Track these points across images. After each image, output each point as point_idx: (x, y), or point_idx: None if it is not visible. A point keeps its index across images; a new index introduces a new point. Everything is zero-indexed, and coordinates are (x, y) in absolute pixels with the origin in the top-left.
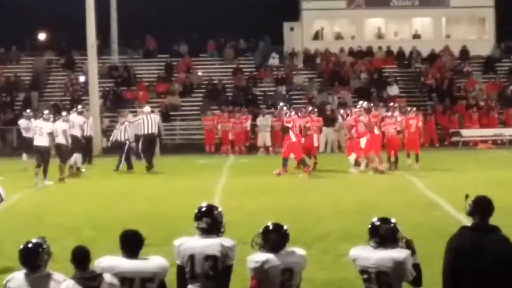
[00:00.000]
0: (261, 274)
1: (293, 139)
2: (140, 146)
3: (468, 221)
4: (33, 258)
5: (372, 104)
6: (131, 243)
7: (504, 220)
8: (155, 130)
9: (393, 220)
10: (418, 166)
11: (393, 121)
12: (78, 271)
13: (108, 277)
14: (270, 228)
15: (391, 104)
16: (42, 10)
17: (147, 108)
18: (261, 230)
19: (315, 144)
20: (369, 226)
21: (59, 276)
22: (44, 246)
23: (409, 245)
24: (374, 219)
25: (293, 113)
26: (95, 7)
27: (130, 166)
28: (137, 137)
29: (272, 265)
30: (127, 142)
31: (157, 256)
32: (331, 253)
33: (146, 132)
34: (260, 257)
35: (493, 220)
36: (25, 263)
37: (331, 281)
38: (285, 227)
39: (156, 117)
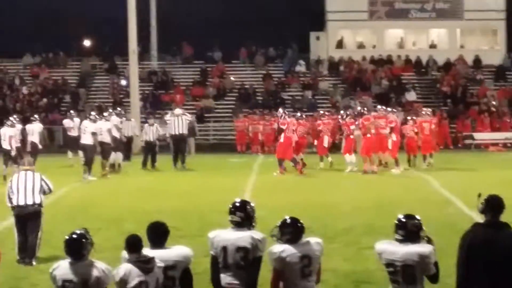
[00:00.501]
0: (280, 263)
1: (281, 139)
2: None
3: (480, 218)
4: (77, 248)
5: (365, 109)
6: (156, 234)
7: None
8: (184, 131)
9: (418, 217)
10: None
11: (412, 124)
12: (131, 255)
13: (159, 262)
14: (287, 221)
15: (410, 109)
16: (87, 18)
17: (178, 110)
18: (278, 224)
19: (325, 145)
20: (396, 221)
21: (101, 264)
22: (87, 237)
23: (430, 242)
24: (401, 215)
25: (286, 116)
26: (136, 16)
27: (154, 165)
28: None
29: (289, 254)
30: (157, 142)
31: (181, 246)
32: (353, 246)
33: (175, 133)
34: (278, 248)
35: (503, 218)
36: (70, 252)
37: (353, 272)
38: (300, 221)
39: (186, 119)
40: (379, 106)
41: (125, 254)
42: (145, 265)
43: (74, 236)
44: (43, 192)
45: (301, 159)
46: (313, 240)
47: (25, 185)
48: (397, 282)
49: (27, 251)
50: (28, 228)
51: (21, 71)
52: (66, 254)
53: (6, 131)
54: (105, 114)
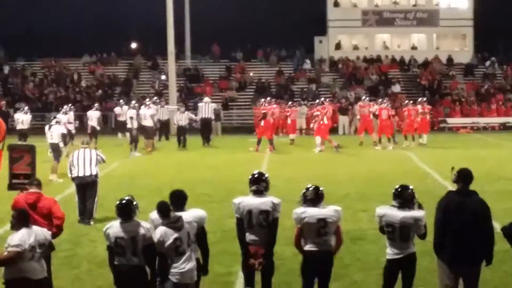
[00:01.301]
0: (300, 222)
1: (262, 123)
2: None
3: (453, 187)
4: (126, 211)
5: (323, 99)
6: (177, 199)
7: (480, 187)
8: (210, 115)
9: (411, 187)
10: (414, 144)
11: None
12: (163, 219)
13: (185, 218)
14: (309, 188)
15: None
16: (134, 24)
17: (206, 99)
18: (304, 190)
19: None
20: (394, 190)
21: (146, 223)
22: (134, 202)
23: (420, 207)
24: (398, 186)
25: (270, 102)
26: (174, 23)
27: (184, 145)
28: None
29: (308, 215)
30: (187, 126)
31: (197, 209)
32: (349, 210)
33: (203, 117)
34: (299, 209)
35: (472, 187)
36: (120, 214)
37: (350, 231)
38: (321, 188)
39: (212, 105)
40: (363, 97)
41: (151, 215)
42: (175, 224)
43: (124, 201)
44: (98, 162)
45: (292, 139)
46: (332, 207)
47: (84, 159)
48: (394, 239)
49: (85, 214)
50: (86, 195)
51: (80, 68)
52: (117, 216)
53: (64, 117)
54: (148, 103)
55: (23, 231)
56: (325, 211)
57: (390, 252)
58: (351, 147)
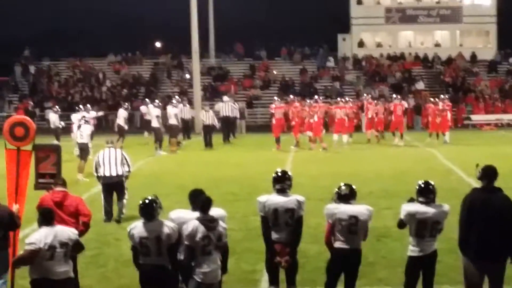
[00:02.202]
0: (332, 218)
1: (273, 121)
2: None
3: (477, 184)
4: (149, 210)
5: (316, 98)
6: (197, 199)
7: (505, 184)
8: (230, 114)
9: (432, 182)
10: (438, 142)
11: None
12: (201, 214)
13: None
14: (343, 185)
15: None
16: (158, 24)
17: (226, 98)
18: (336, 188)
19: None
20: (422, 186)
21: (169, 223)
22: (157, 201)
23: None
24: (423, 182)
25: (277, 102)
26: (198, 22)
27: (211, 144)
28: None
29: (340, 211)
30: (213, 125)
31: (218, 208)
32: (374, 207)
33: (224, 115)
34: (332, 206)
35: (496, 183)
36: (143, 214)
37: (374, 228)
38: (353, 186)
39: (233, 105)
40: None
41: (171, 214)
42: (209, 223)
43: (146, 201)
44: (123, 164)
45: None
46: (364, 206)
47: (109, 159)
48: (423, 236)
49: (110, 213)
50: (115, 195)
51: (105, 67)
52: (140, 215)
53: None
54: (173, 101)
55: (43, 230)
56: (357, 208)
57: (415, 249)
58: (375, 145)
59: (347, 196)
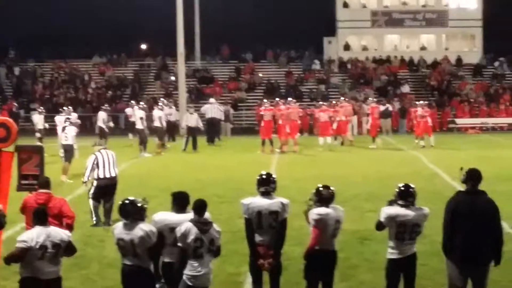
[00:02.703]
0: (321, 223)
1: (262, 123)
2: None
3: (461, 187)
4: (128, 212)
5: (291, 100)
6: (180, 201)
7: (489, 187)
8: (216, 116)
9: (413, 185)
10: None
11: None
12: (195, 216)
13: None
14: (322, 187)
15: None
16: (143, 26)
17: (212, 100)
18: (314, 190)
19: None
20: (402, 189)
21: (148, 226)
22: (137, 203)
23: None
24: (403, 185)
25: (267, 104)
26: (183, 24)
27: (195, 147)
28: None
29: (330, 217)
30: (198, 127)
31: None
32: (358, 210)
33: (209, 117)
34: (322, 210)
35: (481, 187)
36: (122, 215)
37: (358, 231)
38: (331, 187)
39: (219, 107)
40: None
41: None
42: (203, 226)
43: (126, 202)
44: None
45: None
46: (339, 207)
47: (108, 160)
48: (403, 238)
49: (105, 215)
50: (107, 196)
51: (90, 69)
52: (120, 216)
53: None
54: (159, 104)
55: (35, 229)
56: (339, 212)
57: (394, 252)
58: (359, 148)
59: (329, 199)
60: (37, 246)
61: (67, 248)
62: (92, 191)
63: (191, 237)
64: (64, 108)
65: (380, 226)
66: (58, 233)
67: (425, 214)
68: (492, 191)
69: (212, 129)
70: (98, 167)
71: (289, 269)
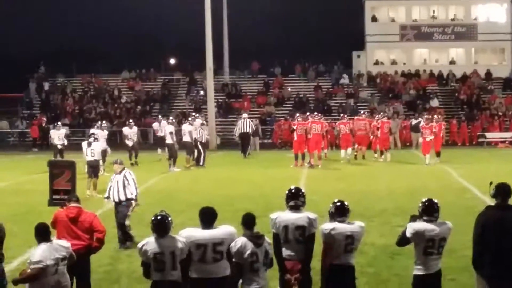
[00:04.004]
0: (329, 238)
1: (296, 138)
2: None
3: (491, 202)
4: (163, 226)
5: (308, 114)
6: (206, 217)
7: None
8: (249, 130)
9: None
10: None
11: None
12: (247, 231)
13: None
14: (335, 203)
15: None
16: (172, 41)
17: (245, 115)
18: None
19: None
20: (427, 204)
21: (180, 238)
22: (169, 218)
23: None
24: (427, 200)
25: (299, 118)
26: (212, 39)
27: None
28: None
29: (337, 232)
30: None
31: (227, 225)
32: (387, 225)
33: (243, 131)
34: (329, 225)
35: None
36: (156, 230)
37: (387, 246)
38: (345, 203)
39: (250, 121)
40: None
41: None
42: (256, 240)
43: (159, 217)
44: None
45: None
46: (357, 223)
47: (117, 184)
48: (432, 253)
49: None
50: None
51: (119, 84)
52: (152, 231)
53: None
54: (189, 119)
55: (44, 246)
56: (352, 227)
57: (421, 268)
58: (390, 162)
59: (335, 214)
60: (51, 264)
61: (71, 257)
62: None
63: (247, 252)
64: (100, 122)
65: (403, 241)
66: (62, 245)
67: (450, 227)
68: None
69: (244, 142)
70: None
71: (319, 284)
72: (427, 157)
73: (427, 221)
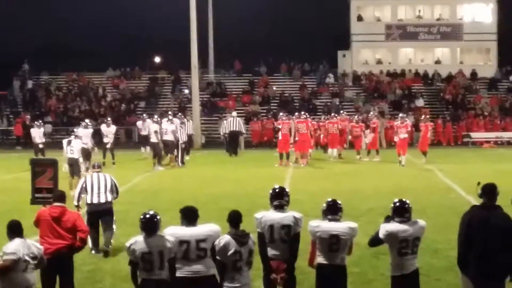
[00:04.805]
0: (314, 236)
1: (280, 137)
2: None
3: (476, 202)
4: (152, 225)
5: (306, 114)
6: (188, 215)
7: (505, 201)
8: (238, 128)
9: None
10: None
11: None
12: (232, 229)
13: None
14: (328, 201)
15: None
16: (157, 39)
17: (234, 113)
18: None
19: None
20: (397, 205)
21: (169, 237)
22: (158, 216)
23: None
24: (398, 201)
25: (284, 117)
26: (197, 38)
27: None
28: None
29: (322, 230)
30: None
31: (211, 224)
32: (373, 224)
33: (232, 129)
34: (314, 223)
35: (497, 202)
36: (145, 229)
37: None
38: (338, 201)
39: (239, 120)
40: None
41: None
42: (241, 238)
43: (148, 215)
44: (112, 190)
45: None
46: (347, 223)
47: (98, 184)
48: (406, 253)
49: (97, 241)
50: (103, 224)
51: (104, 82)
52: (141, 230)
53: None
54: (169, 117)
55: (18, 241)
56: (338, 226)
57: (397, 268)
58: (374, 162)
59: (330, 212)
60: (23, 258)
61: (41, 259)
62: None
63: (230, 251)
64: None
65: (375, 241)
66: (35, 245)
67: (423, 226)
68: (508, 206)
69: (233, 141)
70: (86, 191)
71: (304, 284)
72: (403, 158)
73: (400, 222)
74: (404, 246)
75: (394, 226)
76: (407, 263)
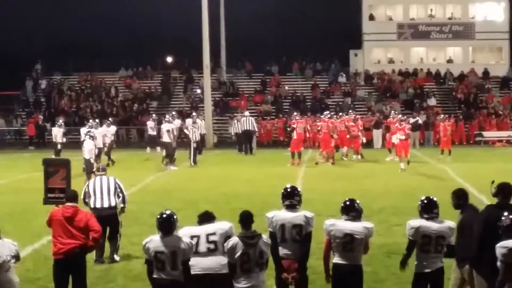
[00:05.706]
0: (328, 234)
1: (295, 136)
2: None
3: (489, 201)
4: (168, 225)
5: (330, 114)
6: (204, 218)
7: None
8: (251, 128)
9: (435, 198)
10: (450, 159)
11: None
12: (243, 230)
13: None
14: (347, 202)
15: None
16: (170, 38)
17: (247, 113)
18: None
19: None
20: (425, 202)
21: (186, 238)
22: (175, 216)
23: None
24: (425, 198)
25: (297, 117)
26: (209, 37)
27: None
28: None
29: (336, 228)
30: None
31: (224, 221)
32: (384, 224)
33: (245, 129)
34: (329, 221)
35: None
36: (161, 228)
37: (385, 245)
38: (356, 201)
39: (252, 119)
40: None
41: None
42: (249, 240)
43: (164, 215)
44: (118, 193)
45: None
46: (362, 223)
47: (101, 188)
48: (428, 251)
49: (102, 250)
50: (107, 230)
51: (116, 82)
52: (158, 229)
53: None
54: (167, 118)
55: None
56: (353, 226)
57: (420, 265)
58: (386, 161)
59: (346, 211)
60: (7, 259)
61: (17, 256)
62: None
63: (238, 253)
64: (91, 121)
65: (408, 246)
66: (9, 244)
67: (450, 227)
68: None
69: (246, 140)
70: (90, 195)
71: (316, 283)
72: (404, 161)
73: (427, 219)
74: (426, 243)
75: (418, 221)
76: (430, 260)
